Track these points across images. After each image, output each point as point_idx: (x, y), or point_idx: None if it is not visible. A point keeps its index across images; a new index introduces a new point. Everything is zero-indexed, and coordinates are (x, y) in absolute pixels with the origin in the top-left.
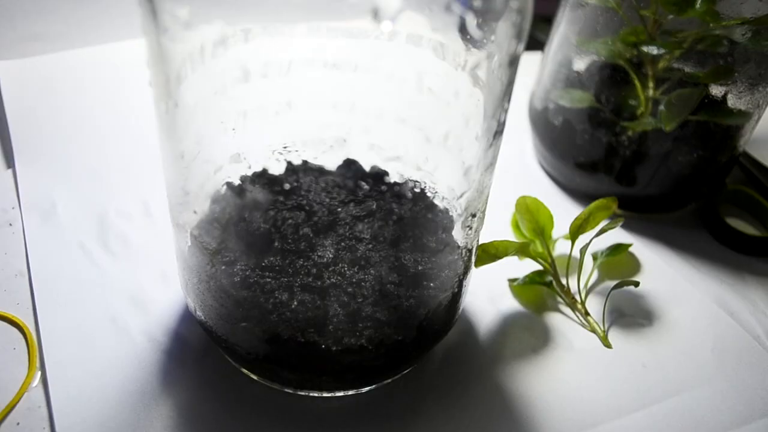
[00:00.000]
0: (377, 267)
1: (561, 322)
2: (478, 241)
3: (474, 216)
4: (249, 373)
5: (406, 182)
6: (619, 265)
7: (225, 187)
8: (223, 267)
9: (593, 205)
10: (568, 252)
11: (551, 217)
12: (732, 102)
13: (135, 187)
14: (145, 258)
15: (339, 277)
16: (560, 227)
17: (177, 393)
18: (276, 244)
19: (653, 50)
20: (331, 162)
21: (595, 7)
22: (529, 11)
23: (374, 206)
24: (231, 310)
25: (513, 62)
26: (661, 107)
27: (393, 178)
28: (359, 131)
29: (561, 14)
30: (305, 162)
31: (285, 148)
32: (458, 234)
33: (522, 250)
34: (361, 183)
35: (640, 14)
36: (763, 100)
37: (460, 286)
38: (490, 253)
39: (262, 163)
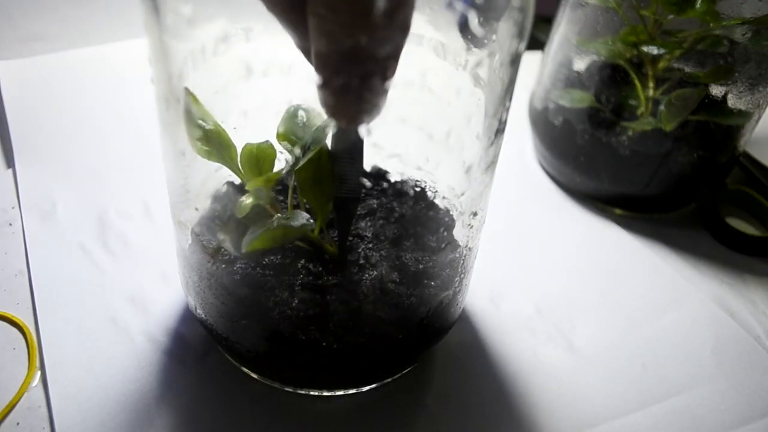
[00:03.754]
0: (378, 265)
1: (561, 320)
2: (479, 240)
3: (475, 215)
4: (249, 372)
5: (407, 181)
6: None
7: (226, 185)
8: (224, 265)
9: None
10: None
11: None
12: (732, 102)
13: (135, 187)
14: (145, 258)
15: (340, 276)
16: (557, 229)
17: (177, 392)
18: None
19: (653, 50)
20: None
21: (595, 7)
22: (531, 9)
23: (375, 205)
24: (231, 307)
25: (514, 61)
26: (661, 107)
27: (394, 177)
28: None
29: (561, 14)
30: None
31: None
32: (459, 233)
33: None
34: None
35: (640, 14)
36: (763, 100)
37: (461, 285)
38: None
39: None
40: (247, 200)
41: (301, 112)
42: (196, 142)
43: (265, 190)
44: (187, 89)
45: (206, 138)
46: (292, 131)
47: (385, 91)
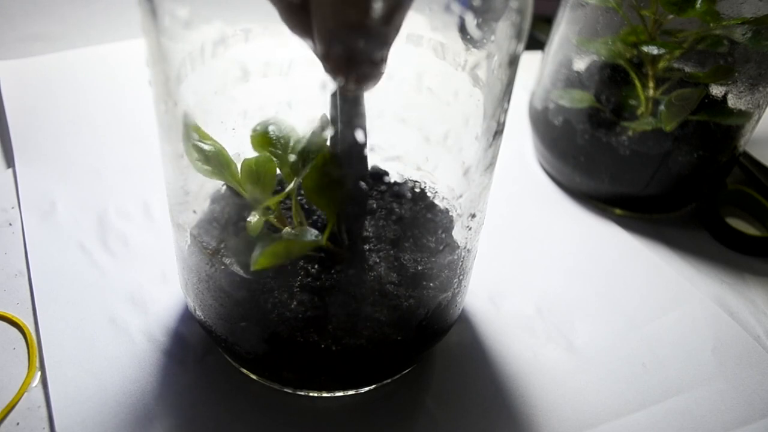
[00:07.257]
0: (377, 267)
1: (561, 320)
2: (477, 241)
3: (474, 216)
4: (249, 373)
5: (405, 182)
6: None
7: (224, 186)
8: (223, 267)
9: None
10: None
11: None
12: (732, 102)
13: (135, 187)
14: (145, 258)
15: (339, 277)
16: (558, 229)
17: (176, 393)
18: None
19: (653, 50)
20: None
21: (595, 7)
22: (529, 11)
23: (374, 206)
24: (230, 309)
25: (513, 62)
26: (662, 107)
27: (393, 178)
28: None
29: (561, 14)
30: None
31: None
32: (458, 234)
33: None
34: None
35: (640, 14)
36: (763, 100)
37: (460, 286)
38: None
39: None
40: (255, 218)
41: (271, 127)
42: (196, 162)
43: (274, 208)
44: (186, 114)
45: (206, 158)
46: (267, 141)
47: (384, 59)
